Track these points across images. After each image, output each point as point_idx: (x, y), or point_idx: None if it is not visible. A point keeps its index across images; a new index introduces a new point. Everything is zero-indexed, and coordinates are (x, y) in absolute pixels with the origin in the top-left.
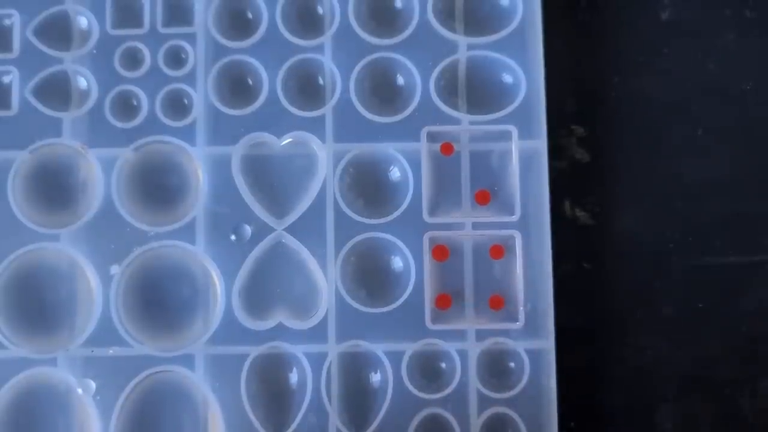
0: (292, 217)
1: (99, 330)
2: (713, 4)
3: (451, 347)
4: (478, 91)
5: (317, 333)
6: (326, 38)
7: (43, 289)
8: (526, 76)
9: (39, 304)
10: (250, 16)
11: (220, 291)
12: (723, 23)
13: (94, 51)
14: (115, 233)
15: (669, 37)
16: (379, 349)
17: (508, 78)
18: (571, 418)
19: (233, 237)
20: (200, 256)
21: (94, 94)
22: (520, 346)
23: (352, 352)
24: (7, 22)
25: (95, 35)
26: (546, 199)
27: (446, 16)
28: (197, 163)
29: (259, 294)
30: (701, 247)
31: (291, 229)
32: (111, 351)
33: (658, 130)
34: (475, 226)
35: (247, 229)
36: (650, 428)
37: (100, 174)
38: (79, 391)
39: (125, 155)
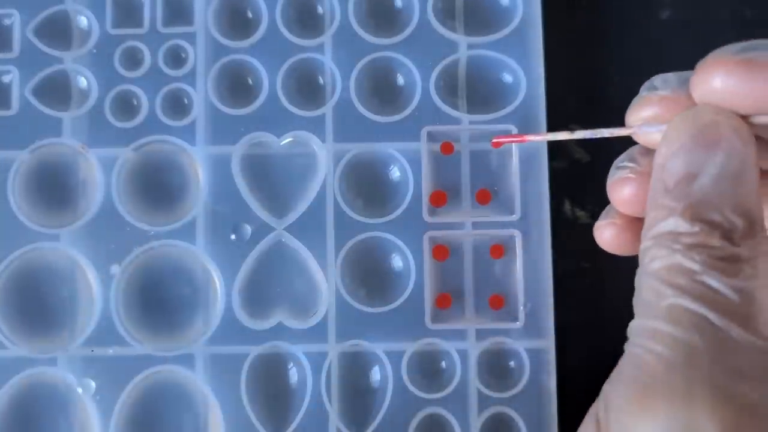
0: (292, 217)
1: (99, 330)
2: (713, 4)
3: (451, 347)
4: (478, 91)
5: (317, 333)
6: (326, 38)
7: (43, 289)
8: (526, 76)
9: (39, 304)
10: (250, 15)
11: (220, 291)
12: (723, 23)
13: (94, 51)
14: (115, 233)
15: (669, 37)
16: (379, 348)
17: (508, 77)
18: (571, 417)
19: (233, 236)
20: (200, 256)
21: (94, 94)
22: (520, 346)
23: (352, 351)
24: (7, 21)
25: (95, 35)
26: (546, 199)
27: (446, 15)
28: (197, 163)
29: (259, 294)
30: None
31: (291, 229)
32: (111, 351)
33: None
34: (475, 225)
35: (247, 229)
36: None
37: (100, 174)
38: (79, 390)
39: (125, 155)
